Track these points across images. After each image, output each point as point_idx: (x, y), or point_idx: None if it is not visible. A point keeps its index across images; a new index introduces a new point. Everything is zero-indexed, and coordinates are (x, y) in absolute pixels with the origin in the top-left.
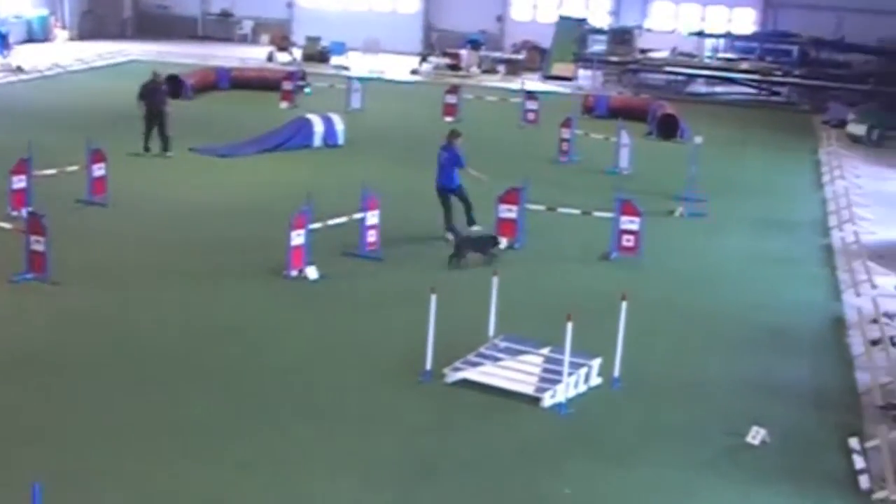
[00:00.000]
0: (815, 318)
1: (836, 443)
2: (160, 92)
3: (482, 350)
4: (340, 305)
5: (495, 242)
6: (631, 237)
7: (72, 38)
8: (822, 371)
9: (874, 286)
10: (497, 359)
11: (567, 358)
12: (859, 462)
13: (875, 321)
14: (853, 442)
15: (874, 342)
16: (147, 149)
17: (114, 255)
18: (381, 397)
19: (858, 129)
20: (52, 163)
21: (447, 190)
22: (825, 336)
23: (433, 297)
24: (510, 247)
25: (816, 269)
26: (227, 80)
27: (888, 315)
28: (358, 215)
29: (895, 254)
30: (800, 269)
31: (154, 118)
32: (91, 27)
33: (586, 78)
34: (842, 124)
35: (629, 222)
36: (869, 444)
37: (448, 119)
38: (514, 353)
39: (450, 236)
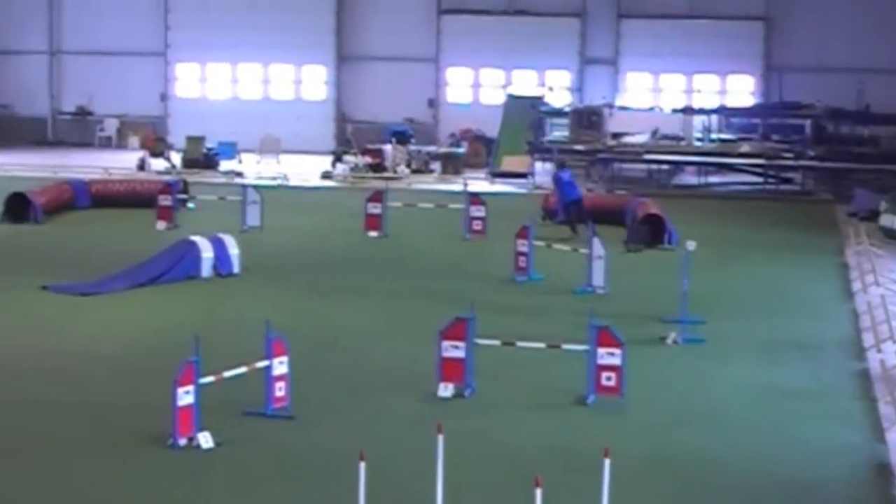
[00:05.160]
0: (850, 466)
1: None
2: None
3: None
4: (244, 480)
5: None
6: (612, 374)
7: None
8: None
9: None
10: None
11: None
12: None
13: None
14: None
15: None
16: None
17: None
18: None
19: (894, 222)
20: None
21: (577, 202)
22: (866, 489)
23: (362, 465)
24: (458, 395)
25: (849, 402)
26: (88, 197)
27: None
28: (261, 364)
29: None
30: (827, 403)
31: None
32: None
33: (545, 173)
34: (873, 216)
35: (608, 355)
36: None
37: (373, 234)
38: None
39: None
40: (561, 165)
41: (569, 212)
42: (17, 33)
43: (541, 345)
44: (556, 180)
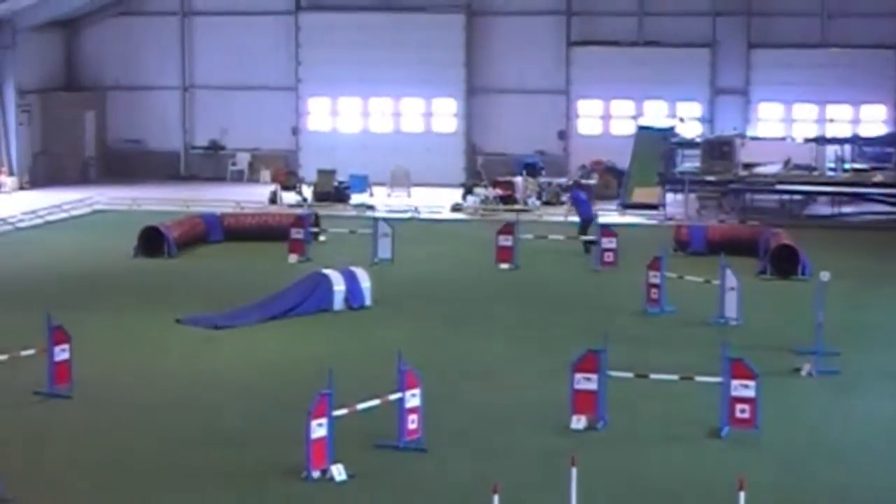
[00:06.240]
0: None
1: None
2: None
3: None
4: None
5: None
6: (746, 406)
7: (21, 187)
8: None
9: None
10: None
11: None
12: None
13: None
14: None
15: None
16: None
17: (83, 458)
18: None
19: None
20: (1, 346)
21: (589, 222)
22: None
23: (496, 499)
24: (591, 427)
25: None
26: (220, 230)
27: None
28: (394, 396)
29: None
30: None
31: None
32: (46, 171)
33: (677, 204)
34: None
35: (742, 387)
36: None
37: (504, 266)
38: None
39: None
40: (577, 185)
41: (584, 230)
42: (149, 69)
43: (674, 377)
44: (574, 199)
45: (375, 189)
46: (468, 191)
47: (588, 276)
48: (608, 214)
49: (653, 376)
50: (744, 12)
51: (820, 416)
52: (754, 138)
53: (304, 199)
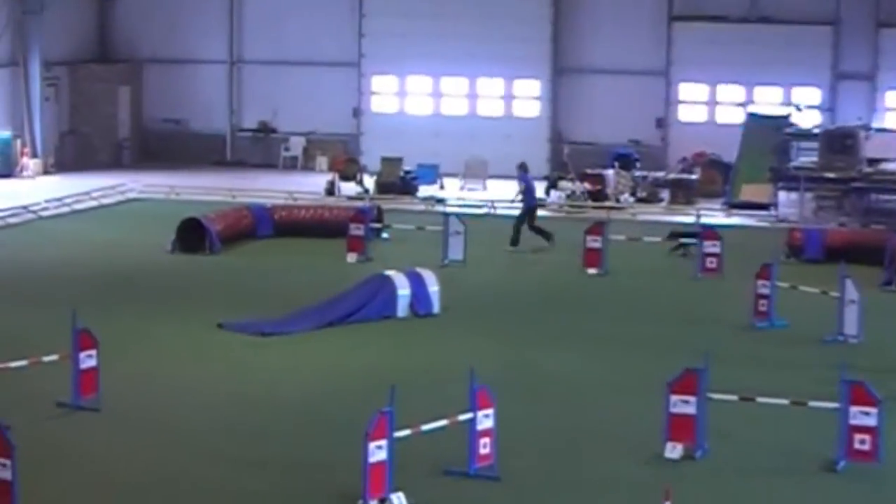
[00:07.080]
0: None
1: None
2: None
3: None
4: None
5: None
6: (866, 437)
7: (46, 171)
8: None
9: None
10: None
11: None
12: None
13: None
14: None
15: None
16: None
17: (111, 480)
18: None
19: None
20: (21, 351)
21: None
22: None
23: None
24: (688, 456)
25: None
26: (270, 224)
27: None
28: (464, 417)
29: None
30: None
31: None
32: (74, 154)
33: (790, 204)
34: None
35: (862, 414)
36: None
37: (592, 271)
38: None
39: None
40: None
41: (523, 219)
42: (193, 40)
43: (784, 401)
44: (527, 185)
45: (447, 180)
46: (552, 185)
47: (687, 284)
48: (712, 214)
49: (759, 400)
50: None
51: None
52: (881, 130)
53: (366, 191)
